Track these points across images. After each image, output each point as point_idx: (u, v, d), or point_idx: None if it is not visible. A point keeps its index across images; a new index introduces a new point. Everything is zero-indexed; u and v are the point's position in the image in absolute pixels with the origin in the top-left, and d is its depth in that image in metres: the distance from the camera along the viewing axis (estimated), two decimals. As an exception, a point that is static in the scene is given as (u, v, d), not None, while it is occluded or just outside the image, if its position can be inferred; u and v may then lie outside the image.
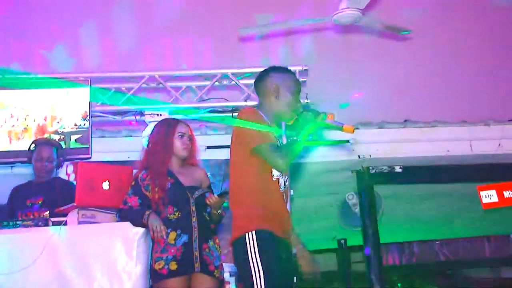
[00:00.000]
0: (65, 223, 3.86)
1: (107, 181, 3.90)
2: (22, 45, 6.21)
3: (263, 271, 2.81)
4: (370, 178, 6.79)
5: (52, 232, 3.74)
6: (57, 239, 3.72)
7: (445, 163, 6.55)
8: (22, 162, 5.14)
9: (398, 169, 6.73)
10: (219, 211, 3.62)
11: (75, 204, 3.83)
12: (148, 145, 3.90)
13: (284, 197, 3.06)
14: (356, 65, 6.46)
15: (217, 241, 3.71)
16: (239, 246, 2.92)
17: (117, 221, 3.80)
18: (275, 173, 2.98)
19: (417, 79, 6.61)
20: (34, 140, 4.92)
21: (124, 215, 3.73)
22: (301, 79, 5.51)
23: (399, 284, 12.03)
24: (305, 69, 5.51)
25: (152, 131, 3.94)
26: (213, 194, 3.64)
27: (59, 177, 4.92)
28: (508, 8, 6.47)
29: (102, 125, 5.94)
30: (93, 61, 5.93)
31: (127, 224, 3.76)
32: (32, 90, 5.44)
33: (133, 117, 5.60)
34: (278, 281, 2.84)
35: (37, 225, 3.88)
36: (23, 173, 5.66)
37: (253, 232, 2.88)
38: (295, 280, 3.18)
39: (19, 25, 6.19)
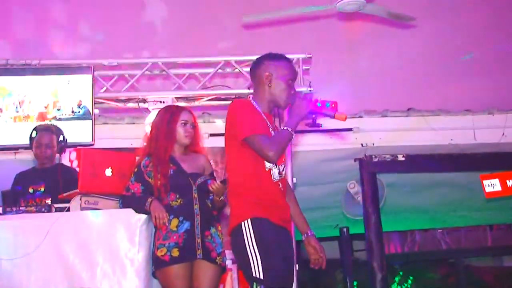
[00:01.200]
0: (68, 209, 3.88)
1: (110, 167, 3.88)
2: (24, 31, 6.18)
3: (260, 258, 2.86)
4: (373, 167, 6.82)
5: (55, 218, 3.73)
6: (60, 225, 3.72)
7: (448, 152, 6.56)
8: (24, 148, 5.12)
9: (401, 157, 6.76)
10: (222, 197, 3.61)
11: (78, 190, 3.83)
12: (151, 132, 3.89)
13: (281, 186, 3.08)
14: (359, 53, 6.43)
15: (219, 228, 3.71)
16: (236, 235, 2.96)
17: (120, 208, 3.78)
18: (268, 163, 3.00)
19: (421, 68, 6.56)
20: (35, 127, 4.90)
21: (127, 202, 3.73)
22: (304, 67, 5.52)
23: (400, 273, 12.06)
24: (308, 57, 5.48)
25: (155, 118, 3.93)
26: (216, 181, 3.63)
27: (62, 163, 4.92)
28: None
29: (104, 112, 5.91)
30: (95, 49, 5.88)
31: (130, 211, 3.75)
32: (35, 76, 5.40)
33: (136, 104, 5.57)
34: (276, 267, 2.88)
35: (40, 211, 3.89)
36: (26, 159, 5.68)
37: (249, 220, 2.93)
38: (296, 268, 3.16)
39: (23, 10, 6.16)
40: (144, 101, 5.51)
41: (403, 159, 6.68)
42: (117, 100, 5.63)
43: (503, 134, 6.47)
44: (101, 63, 5.43)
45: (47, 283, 3.66)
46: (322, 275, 10.73)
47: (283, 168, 3.10)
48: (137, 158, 3.91)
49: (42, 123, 5.18)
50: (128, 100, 5.62)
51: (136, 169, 3.75)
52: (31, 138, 4.74)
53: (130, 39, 6.05)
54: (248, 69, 5.52)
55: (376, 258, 6.70)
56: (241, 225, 2.94)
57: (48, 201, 4.20)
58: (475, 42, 6.50)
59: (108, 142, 5.71)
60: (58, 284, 3.67)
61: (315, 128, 3.17)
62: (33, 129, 4.80)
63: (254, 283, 2.86)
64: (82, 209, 3.82)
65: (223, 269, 3.69)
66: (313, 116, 3.12)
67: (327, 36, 6.10)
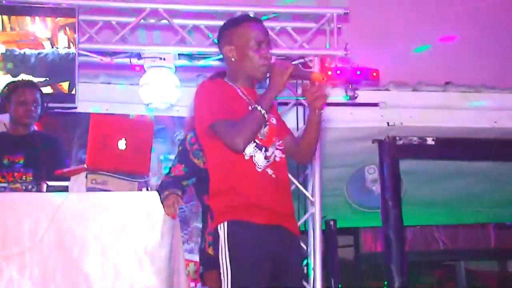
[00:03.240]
0: (65, 190, 3.65)
1: (123, 138, 3.66)
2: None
3: (231, 275, 2.88)
4: (396, 151, 6.75)
5: (57, 202, 3.48)
6: (63, 211, 3.49)
7: (490, 136, 6.52)
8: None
9: (430, 141, 6.71)
10: None
11: (85, 165, 3.58)
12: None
13: (271, 173, 3.00)
14: (397, 15, 6.29)
15: None
16: (214, 239, 3.01)
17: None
18: (248, 150, 2.95)
19: (463, 35, 6.48)
20: (10, 82, 4.63)
21: (158, 188, 3.66)
22: (339, 25, 5.37)
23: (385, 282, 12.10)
24: (345, 13, 5.36)
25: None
26: None
27: (39, 130, 4.67)
28: None
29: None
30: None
31: (152, 195, 3.59)
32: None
33: (127, 60, 5.33)
34: (245, 282, 2.88)
35: (27, 190, 3.67)
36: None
37: (225, 224, 2.94)
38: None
39: None
40: (139, 56, 5.30)
41: (433, 143, 6.63)
42: (102, 53, 5.36)
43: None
44: (88, 4, 5.15)
45: (45, 283, 3.42)
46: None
47: (274, 150, 3.05)
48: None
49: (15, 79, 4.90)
50: (115, 54, 5.36)
51: (180, 147, 3.60)
52: (3, 95, 4.48)
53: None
54: (270, 23, 5.39)
55: (395, 261, 6.65)
56: (217, 228, 2.96)
57: (29, 175, 4.16)
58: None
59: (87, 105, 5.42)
60: (60, 284, 3.44)
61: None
62: (6, 85, 4.53)
63: None
64: (88, 189, 3.60)
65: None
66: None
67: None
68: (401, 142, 6.63)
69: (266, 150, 2.99)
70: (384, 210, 6.72)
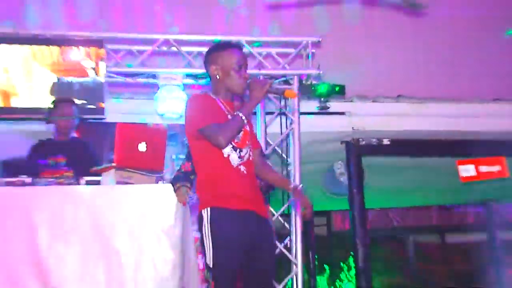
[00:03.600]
0: (99, 183, 3.68)
1: (143, 142, 3.67)
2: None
3: (212, 248, 2.87)
4: (359, 149, 6.74)
5: (92, 191, 3.49)
6: (97, 199, 3.50)
7: (432, 137, 6.52)
8: (40, 119, 4.79)
9: (386, 141, 6.70)
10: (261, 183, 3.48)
11: (112, 164, 3.59)
12: None
13: (243, 169, 3.00)
14: (357, 40, 6.28)
15: (269, 208, 3.57)
16: (199, 223, 2.97)
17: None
18: (226, 150, 2.96)
19: (413, 56, 6.48)
20: (54, 100, 4.61)
21: (172, 181, 3.63)
22: (313, 50, 5.36)
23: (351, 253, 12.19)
24: (318, 41, 5.36)
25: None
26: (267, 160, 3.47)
27: (77, 137, 4.65)
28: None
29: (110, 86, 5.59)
30: (105, 22, 5.53)
31: (168, 187, 3.61)
32: (44, 47, 5.06)
33: (145, 79, 5.31)
34: (226, 259, 2.87)
35: (70, 184, 3.68)
36: (26, 130, 5.35)
37: (208, 209, 2.93)
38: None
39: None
40: (154, 76, 5.24)
41: (388, 143, 6.63)
42: (125, 74, 5.32)
43: (484, 122, 6.48)
44: (114, 37, 5.11)
45: (86, 261, 3.45)
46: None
47: (247, 152, 3.05)
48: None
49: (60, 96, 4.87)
50: (136, 75, 5.33)
51: (187, 149, 3.55)
52: (48, 110, 4.46)
53: (137, 14, 5.71)
54: (258, 49, 5.40)
55: (360, 235, 6.63)
56: (201, 213, 2.95)
57: (71, 173, 4.05)
58: (463, 34, 6.45)
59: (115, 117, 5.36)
60: (96, 259, 3.46)
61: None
62: (53, 101, 4.54)
63: (206, 270, 2.91)
64: (116, 183, 3.62)
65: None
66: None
67: (333, 21, 5.91)
68: (363, 142, 6.60)
69: (240, 151, 3.00)
70: (350, 196, 6.71)
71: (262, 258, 2.97)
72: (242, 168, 2.99)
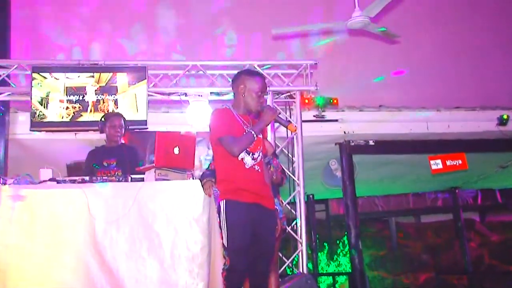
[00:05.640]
0: (142, 180, 3.60)
1: (177, 147, 3.61)
2: (83, 35, 5.76)
3: (227, 232, 2.92)
4: (350, 149, 6.67)
5: (139, 187, 3.45)
6: (143, 193, 3.45)
7: (407, 138, 6.46)
8: (94, 130, 4.77)
9: (371, 142, 6.63)
10: (274, 177, 3.43)
11: (154, 164, 3.54)
12: None
13: (258, 168, 3.01)
14: (346, 62, 6.23)
15: (280, 199, 3.51)
16: (218, 212, 3.01)
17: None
18: (241, 155, 2.97)
19: (390, 73, 6.41)
20: (106, 114, 4.59)
21: (200, 177, 3.54)
22: (311, 71, 5.31)
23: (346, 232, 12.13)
24: (315, 63, 5.30)
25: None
26: (277, 159, 3.41)
27: (125, 143, 4.61)
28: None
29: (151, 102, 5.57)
30: (146, 52, 5.53)
31: (196, 182, 3.53)
32: (97, 73, 5.05)
33: (178, 97, 5.27)
34: (237, 240, 2.91)
35: (119, 181, 3.62)
36: (84, 138, 5.36)
37: (224, 201, 2.96)
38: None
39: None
40: (185, 94, 5.21)
41: (373, 144, 6.56)
42: (162, 93, 5.30)
43: (448, 126, 6.40)
44: (155, 64, 5.08)
45: (133, 242, 3.40)
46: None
47: (259, 154, 3.05)
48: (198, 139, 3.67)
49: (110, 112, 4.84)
50: (170, 94, 5.30)
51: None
52: (102, 122, 4.43)
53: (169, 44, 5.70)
54: (267, 71, 5.35)
55: (352, 218, 6.57)
56: (220, 204, 2.98)
57: (120, 172, 4.07)
58: (434, 49, 6.38)
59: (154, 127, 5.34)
60: (141, 240, 3.41)
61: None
62: (104, 116, 4.50)
63: (223, 249, 2.96)
64: (156, 179, 3.56)
65: (283, 231, 3.49)
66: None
67: (329, 47, 5.89)
68: (353, 144, 6.55)
69: (253, 154, 3.01)
70: (344, 187, 6.65)
71: (262, 241, 2.98)
72: (257, 167, 3.01)
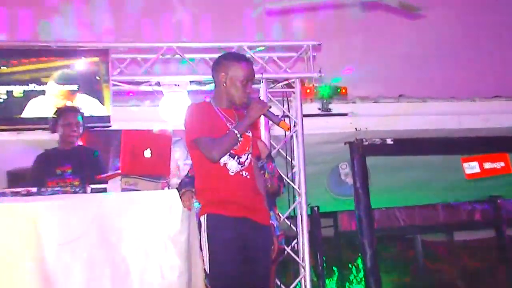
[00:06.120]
0: (106, 191, 3.62)
1: (148, 149, 3.61)
2: (31, 13, 5.76)
3: (208, 254, 2.93)
4: (363, 150, 6.71)
5: (99, 200, 3.44)
6: (104, 207, 3.44)
7: (434, 135, 6.50)
8: (43, 129, 4.77)
9: (389, 141, 6.68)
10: (268, 185, 3.44)
11: (119, 171, 3.55)
12: None
13: (245, 175, 3.01)
14: (358, 44, 6.27)
15: (277, 211, 3.52)
16: (199, 229, 3.05)
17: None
18: (223, 159, 2.96)
19: (414, 56, 6.46)
20: (59, 108, 4.58)
21: (178, 186, 3.58)
22: (314, 53, 5.34)
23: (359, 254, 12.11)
24: (318, 44, 5.32)
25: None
26: (273, 163, 3.43)
27: (83, 145, 4.64)
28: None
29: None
30: (108, 32, 5.54)
31: (173, 192, 3.52)
32: (48, 58, 5.05)
33: (150, 87, 5.28)
34: (223, 265, 2.91)
35: (75, 192, 3.62)
36: (31, 139, 5.35)
37: (205, 216, 2.98)
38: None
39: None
40: (159, 84, 5.23)
41: (392, 142, 6.60)
42: (130, 82, 5.32)
43: (486, 119, 6.44)
44: (118, 46, 5.09)
45: (92, 268, 3.36)
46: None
47: (247, 157, 3.05)
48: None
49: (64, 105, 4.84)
50: (140, 83, 5.31)
51: None
52: (53, 119, 4.42)
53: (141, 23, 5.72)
54: (260, 54, 5.38)
55: (366, 236, 6.61)
56: (200, 220, 3.01)
57: (77, 181, 4.12)
58: (463, 34, 6.43)
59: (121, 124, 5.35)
60: (103, 266, 3.38)
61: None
62: (56, 110, 4.49)
63: (204, 275, 3.03)
64: (122, 190, 3.55)
65: (281, 251, 3.50)
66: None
67: (333, 25, 5.92)
68: (367, 143, 6.59)
69: (239, 158, 3.01)
70: (356, 197, 6.69)
71: (254, 266, 2.97)
72: (244, 173, 3.01)
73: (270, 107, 3.04)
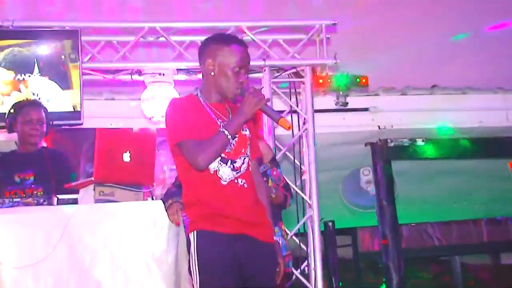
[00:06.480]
0: (75, 202, 3.70)
1: (128, 151, 3.69)
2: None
3: (199, 278, 2.91)
4: (388, 152, 6.76)
5: (68, 213, 3.51)
6: (74, 222, 3.51)
7: (476, 135, 6.54)
8: (-1, 127, 4.84)
9: (419, 142, 6.73)
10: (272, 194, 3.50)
11: (93, 178, 3.61)
12: None
13: (242, 183, 3.01)
14: (382, 24, 6.30)
15: (283, 227, 3.57)
16: (187, 245, 3.02)
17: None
18: (212, 165, 2.96)
19: (447, 40, 6.50)
20: (17, 102, 4.62)
21: (163, 197, 3.64)
22: (328, 36, 5.39)
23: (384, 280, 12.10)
24: (333, 24, 5.36)
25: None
26: (278, 168, 3.49)
27: (47, 146, 4.69)
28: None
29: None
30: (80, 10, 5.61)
31: (157, 204, 3.62)
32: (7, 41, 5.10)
33: (129, 76, 5.34)
34: (211, 286, 2.92)
35: (39, 204, 3.70)
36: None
37: (195, 233, 2.97)
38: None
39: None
40: (140, 72, 5.29)
41: (422, 143, 6.65)
42: (104, 71, 5.38)
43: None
44: (92, 26, 5.16)
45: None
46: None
47: (243, 161, 3.05)
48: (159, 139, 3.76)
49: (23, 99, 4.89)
50: (117, 71, 5.37)
51: None
52: (10, 115, 4.46)
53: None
54: (262, 36, 5.43)
55: (393, 258, 6.63)
56: (189, 237, 3.00)
57: (40, 191, 4.14)
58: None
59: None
60: (72, 293, 3.47)
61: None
62: (14, 105, 4.53)
63: None
64: (96, 201, 3.63)
65: (288, 275, 3.56)
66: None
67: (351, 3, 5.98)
68: (392, 144, 6.63)
69: (233, 162, 3.00)
70: (379, 209, 6.73)
71: None
72: (241, 181, 3.01)
73: (268, 100, 3.04)
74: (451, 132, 6.32)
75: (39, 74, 5.10)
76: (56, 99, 5.10)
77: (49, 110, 4.60)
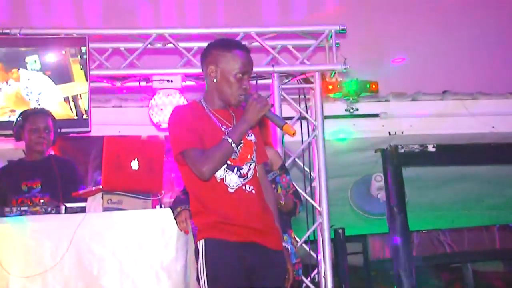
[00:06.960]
0: (83, 210, 3.71)
1: (136, 159, 3.70)
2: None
3: (207, 285, 2.91)
4: (399, 159, 6.74)
5: (76, 222, 3.52)
6: (83, 231, 3.53)
7: (488, 141, 6.51)
8: (6, 136, 4.85)
9: (431, 148, 6.69)
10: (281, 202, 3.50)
11: (101, 186, 3.62)
12: None
13: (250, 190, 3.01)
14: (392, 29, 6.30)
15: (292, 235, 3.56)
16: (196, 254, 3.01)
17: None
18: (218, 173, 2.95)
19: (458, 45, 6.49)
20: (24, 111, 4.63)
21: (172, 205, 3.64)
22: (337, 41, 5.39)
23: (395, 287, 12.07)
24: (342, 29, 5.35)
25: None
26: (287, 175, 3.48)
27: (55, 155, 4.71)
28: None
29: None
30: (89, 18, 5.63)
31: (165, 212, 3.64)
32: (16, 49, 5.12)
33: (137, 83, 5.35)
34: None
35: (47, 212, 3.71)
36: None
37: (203, 241, 2.97)
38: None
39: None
40: (147, 79, 5.29)
41: (434, 149, 6.61)
42: (112, 78, 5.39)
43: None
44: (100, 34, 5.18)
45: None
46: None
47: (249, 167, 3.04)
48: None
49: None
50: (125, 79, 5.38)
51: None
52: (18, 124, 4.48)
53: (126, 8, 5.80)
54: (271, 42, 5.43)
55: (403, 265, 6.61)
56: (197, 245, 2.99)
57: (47, 199, 4.12)
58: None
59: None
60: (80, 303, 3.47)
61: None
62: (21, 113, 4.55)
63: None
64: (104, 209, 3.65)
65: (298, 284, 3.55)
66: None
67: (358, 9, 5.96)
68: (403, 150, 6.60)
69: (240, 169, 3.00)
70: (389, 216, 6.70)
71: None
72: (248, 187, 3.01)
73: (272, 106, 3.03)
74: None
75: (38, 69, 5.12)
76: (47, 92, 5.07)
77: (41, 105, 4.64)
